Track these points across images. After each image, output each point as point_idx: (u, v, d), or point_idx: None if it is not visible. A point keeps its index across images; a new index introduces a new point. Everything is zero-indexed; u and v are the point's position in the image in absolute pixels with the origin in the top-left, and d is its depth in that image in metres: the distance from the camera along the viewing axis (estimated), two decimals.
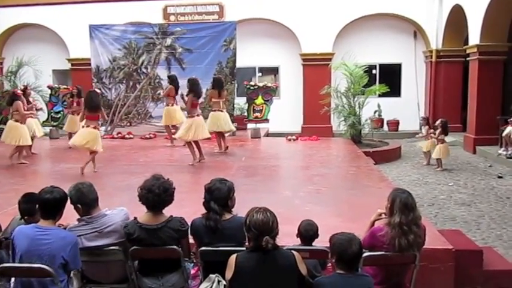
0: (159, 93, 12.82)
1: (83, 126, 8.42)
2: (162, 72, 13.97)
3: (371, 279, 3.12)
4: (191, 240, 3.61)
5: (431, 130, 10.80)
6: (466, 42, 13.58)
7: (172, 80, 11.35)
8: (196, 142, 8.98)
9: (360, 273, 3.02)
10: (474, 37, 12.59)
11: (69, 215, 3.58)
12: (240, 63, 14.56)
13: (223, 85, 10.69)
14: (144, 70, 14.14)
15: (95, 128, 8.19)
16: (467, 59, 13.32)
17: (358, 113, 12.92)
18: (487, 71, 12.34)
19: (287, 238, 3.93)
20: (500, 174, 9.83)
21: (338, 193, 6.86)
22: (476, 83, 12.52)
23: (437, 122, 10.81)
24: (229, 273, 2.93)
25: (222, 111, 10.16)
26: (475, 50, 12.48)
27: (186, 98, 9.11)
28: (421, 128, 11.60)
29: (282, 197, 6.44)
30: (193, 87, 8.98)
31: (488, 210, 7.41)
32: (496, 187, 8.93)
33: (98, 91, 9.14)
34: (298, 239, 3.82)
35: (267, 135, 14.39)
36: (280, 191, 7.04)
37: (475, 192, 8.58)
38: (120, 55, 14.11)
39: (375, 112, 15.83)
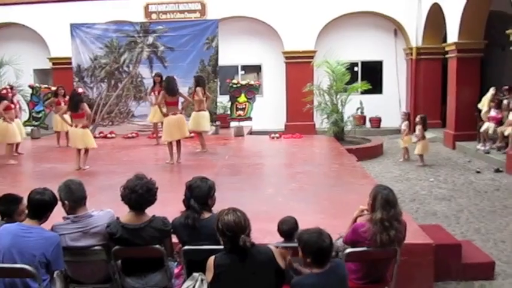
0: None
1: (71, 126, 8.45)
2: (144, 71, 13.88)
3: (344, 266, 3.14)
4: (174, 240, 3.61)
5: (419, 127, 10.76)
6: (444, 39, 13.76)
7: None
8: (177, 141, 8.95)
9: (332, 262, 2.98)
10: (452, 35, 12.76)
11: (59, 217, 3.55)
12: (223, 61, 14.53)
13: (205, 83, 10.69)
14: (126, 69, 14.02)
15: (83, 127, 8.33)
16: (446, 56, 13.49)
17: (340, 110, 13.00)
18: (465, 68, 12.51)
19: (270, 236, 3.96)
20: (478, 170, 9.99)
21: (321, 190, 6.90)
22: (455, 79, 12.69)
23: (417, 119, 10.92)
24: (209, 276, 2.93)
25: (205, 111, 10.15)
26: (453, 47, 12.65)
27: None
28: (401, 124, 11.69)
29: (265, 195, 6.47)
30: (164, 84, 9.05)
31: (467, 205, 7.53)
32: (475, 182, 9.08)
33: (80, 90, 9.08)
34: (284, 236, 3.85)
35: (250, 133, 14.39)
36: (264, 188, 7.06)
37: (455, 187, 8.71)
38: (101, 54, 13.98)
39: (357, 109, 15.94)
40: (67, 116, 8.72)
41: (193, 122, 9.98)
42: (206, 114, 10.13)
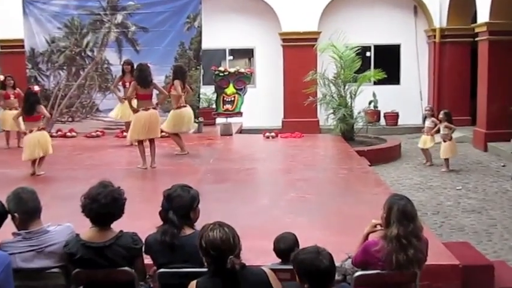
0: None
1: (25, 133, 8.46)
2: (111, 56, 13.83)
3: None
4: (147, 261, 3.60)
5: (444, 124, 10.74)
6: (474, 19, 13.83)
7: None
8: (151, 141, 8.93)
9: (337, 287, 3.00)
10: (483, 14, 12.82)
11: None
12: (207, 44, 14.51)
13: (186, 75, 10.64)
14: (90, 53, 13.97)
15: (39, 129, 8.34)
16: (476, 39, 13.57)
17: (349, 104, 13.05)
18: (498, 54, 12.60)
19: (264, 256, 3.97)
20: None
21: (326, 201, 6.93)
22: (486, 67, 12.76)
23: (441, 115, 10.91)
24: None
25: (186, 106, 10.13)
26: (485, 28, 12.72)
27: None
28: (424, 121, 11.75)
29: (259, 207, 6.48)
30: (136, 73, 9.03)
31: (501, 218, 7.59)
32: (511, 190, 9.15)
33: (37, 88, 9.00)
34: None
35: (240, 131, 14.41)
36: (257, 199, 7.08)
37: (487, 196, 8.78)
38: (60, 35, 13.92)
39: (370, 103, 16.01)
40: (21, 120, 8.67)
41: (172, 122, 9.94)
42: (188, 111, 10.12)
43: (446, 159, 10.80)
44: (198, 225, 3.45)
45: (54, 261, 3.47)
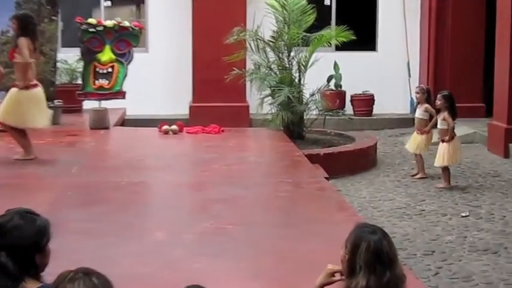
0: None
1: None
2: None
3: None
4: None
5: (443, 115, 10.82)
6: None
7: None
8: None
9: None
10: None
11: None
12: None
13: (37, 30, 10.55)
14: None
15: None
16: None
17: (297, 80, 13.18)
18: None
19: None
20: None
21: (258, 235, 6.97)
22: (509, 28, 13.13)
23: (439, 100, 10.99)
24: None
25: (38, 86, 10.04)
26: None
27: None
28: (415, 109, 11.92)
29: (150, 245, 6.47)
30: None
31: None
32: None
33: None
34: None
35: (123, 123, 14.37)
36: (147, 232, 7.08)
37: (507, 227, 9.03)
38: None
39: (330, 79, 16.23)
40: None
41: (16, 111, 9.81)
42: (39, 96, 10.08)
43: (445, 170, 11.01)
44: (50, 273, 3.44)
45: None
